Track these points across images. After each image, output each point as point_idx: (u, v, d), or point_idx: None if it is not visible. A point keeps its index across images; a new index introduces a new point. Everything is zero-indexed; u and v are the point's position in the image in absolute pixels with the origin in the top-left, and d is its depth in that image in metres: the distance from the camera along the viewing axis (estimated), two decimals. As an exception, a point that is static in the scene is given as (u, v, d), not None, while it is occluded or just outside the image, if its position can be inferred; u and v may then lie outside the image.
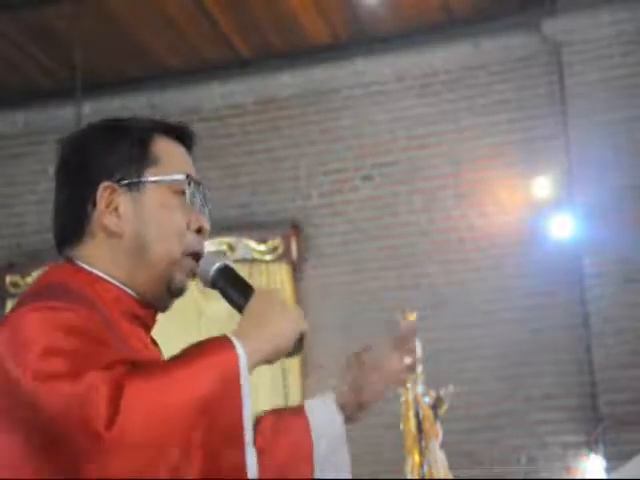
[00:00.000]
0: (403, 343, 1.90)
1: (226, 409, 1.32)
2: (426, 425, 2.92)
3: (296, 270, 6.74)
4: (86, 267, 1.55)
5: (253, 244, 6.77)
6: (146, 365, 1.35)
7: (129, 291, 1.56)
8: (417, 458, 2.89)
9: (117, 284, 1.55)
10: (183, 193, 1.59)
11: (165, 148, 1.61)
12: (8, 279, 7.08)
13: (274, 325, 1.45)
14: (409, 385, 2.91)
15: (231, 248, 6.73)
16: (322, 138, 6.91)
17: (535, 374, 6.17)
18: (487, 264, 6.41)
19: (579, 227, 6.07)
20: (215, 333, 1.41)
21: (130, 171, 1.56)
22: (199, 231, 1.60)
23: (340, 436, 1.78)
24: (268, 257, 6.75)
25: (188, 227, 1.58)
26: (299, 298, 6.54)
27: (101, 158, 1.57)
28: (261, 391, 5.99)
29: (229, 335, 1.39)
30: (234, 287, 1.56)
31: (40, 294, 1.43)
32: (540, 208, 6.27)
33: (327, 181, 6.85)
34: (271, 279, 6.68)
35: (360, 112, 6.87)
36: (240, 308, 1.52)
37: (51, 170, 1.65)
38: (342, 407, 1.81)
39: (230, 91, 7.10)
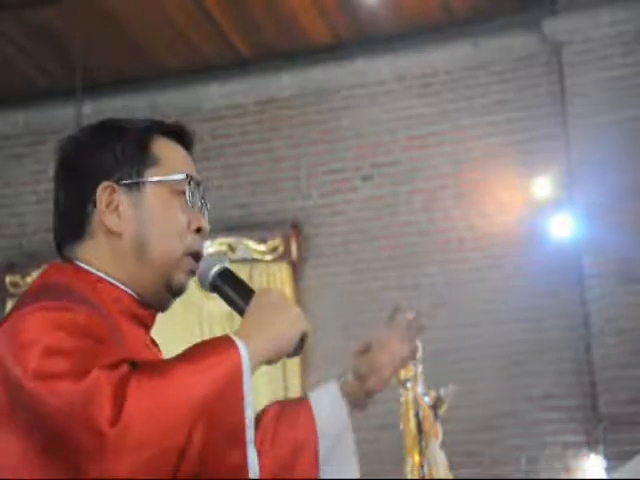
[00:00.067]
0: (406, 331, 1.94)
1: (228, 409, 1.32)
2: (426, 425, 2.91)
3: (296, 270, 6.73)
4: (86, 267, 1.55)
5: (253, 244, 6.77)
6: (149, 364, 1.36)
7: (129, 291, 1.56)
8: (417, 458, 2.89)
9: (117, 284, 1.55)
10: (183, 193, 1.59)
11: (165, 148, 1.61)
12: (8, 279, 7.07)
13: (276, 326, 1.45)
14: (409, 385, 2.90)
15: (231, 248, 6.73)
16: (322, 138, 6.90)
17: (535, 374, 6.17)
18: (487, 264, 6.40)
19: (579, 227, 6.06)
20: (215, 333, 1.41)
21: (130, 171, 1.57)
22: (199, 231, 1.61)
23: (346, 427, 1.79)
24: (268, 257, 6.74)
25: (188, 227, 1.59)
26: (299, 298, 6.54)
27: (101, 158, 1.57)
28: (261, 391, 5.98)
29: (232, 336, 1.39)
30: (234, 290, 1.56)
31: (41, 294, 1.43)
32: (540, 208, 6.26)
33: (327, 181, 6.85)
34: (271, 279, 6.68)
35: (360, 112, 6.86)
36: (241, 311, 1.52)
37: (51, 170, 1.65)
38: (347, 395, 1.82)
39: (230, 91, 7.09)
